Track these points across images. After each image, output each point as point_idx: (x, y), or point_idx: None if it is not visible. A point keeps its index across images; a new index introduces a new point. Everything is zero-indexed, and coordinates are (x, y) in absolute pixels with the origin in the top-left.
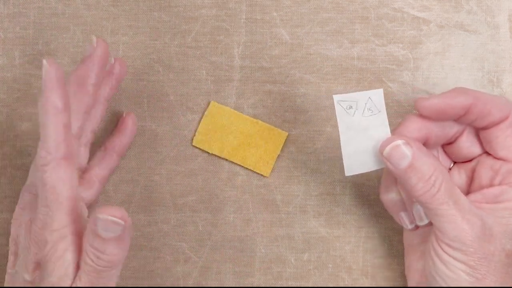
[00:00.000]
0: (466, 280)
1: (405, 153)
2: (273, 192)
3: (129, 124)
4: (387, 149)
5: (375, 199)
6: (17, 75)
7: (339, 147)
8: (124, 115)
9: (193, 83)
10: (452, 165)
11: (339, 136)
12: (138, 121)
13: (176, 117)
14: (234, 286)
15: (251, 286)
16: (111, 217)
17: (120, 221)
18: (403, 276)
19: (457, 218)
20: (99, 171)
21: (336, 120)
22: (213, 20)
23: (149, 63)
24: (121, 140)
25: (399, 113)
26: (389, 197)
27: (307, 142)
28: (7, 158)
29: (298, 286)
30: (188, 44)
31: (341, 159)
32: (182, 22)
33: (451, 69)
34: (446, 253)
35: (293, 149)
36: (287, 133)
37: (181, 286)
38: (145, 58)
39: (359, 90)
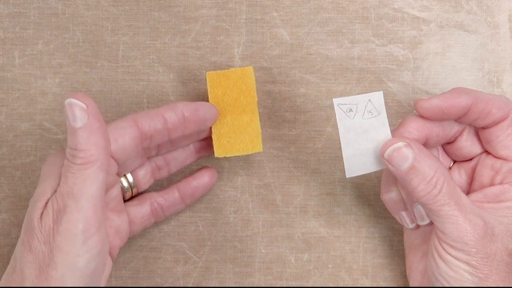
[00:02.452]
0: (469, 280)
1: (406, 155)
2: (273, 192)
3: (205, 176)
4: (388, 151)
5: (375, 199)
6: (17, 75)
7: (339, 147)
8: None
9: (193, 83)
10: (452, 164)
11: (339, 137)
12: None
13: None
14: (234, 286)
15: (251, 286)
16: (75, 99)
17: (82, 104)
18: (403, 276)
19: (459, 218)
20: (153, 200)
21: (336, 120)
22: (213, 20)
23: (149, 63)
24: (190, 183)
25: (400, 113)
26: (390, 196)
27: (307, 142)
28: (6, 158)
29: (298, 286)
30: (188, 44)
31: (342, 159)
32: (182, 22)
33: (451, 69)
34: (448, 253)
35: (293, 149)
36: (251, 68)
37: (181, 286)
38: (145, 58)
39: (359, 90)
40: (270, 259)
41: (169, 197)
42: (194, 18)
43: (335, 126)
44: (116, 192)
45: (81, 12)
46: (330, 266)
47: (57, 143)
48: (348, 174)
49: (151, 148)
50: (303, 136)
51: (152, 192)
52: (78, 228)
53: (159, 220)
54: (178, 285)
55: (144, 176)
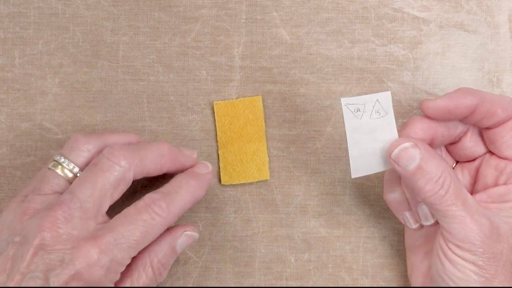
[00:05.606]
0: (475, 280)
1: (413, 155)
2: (273, 192)
3: None
4: (395, 151)
5: (375, 199)
6: (17, 75)
7: (339, 147)
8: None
9: (193, 83)
10: (454, 164)
11: (339, 136)
12: (138, 121)
13: (176, 117)
14: (234, 286)
15: (251, 286)
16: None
17: (196, 234)
18: (403, 276)
19: (466, 219)
20: None
21: (337, 120)
22: (213, 20)
23: (149, 63)
24: None
25: (400, 113)
26: (393, 196)
27: (307, 142)
28: (6, 158)
29: (298, 286)
30: (188, 44)
31: (342, 159)
32: (182, 22)
33: (451, 69)
34: (454, 254)
35: (293, 149)
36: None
37: (181, 286)
38: (145, 58)
39: (360, 90)
40: (270, 259)
41: None
42: (194, 18)
43: (335, 126)
44: None
45: (81, 12)
46: (330, 266)
47: (57, 143)
48: (354, 175)
49: None
50: (303, 136)
51: None
52: None
53: None
54: (178, 285)
55: None
